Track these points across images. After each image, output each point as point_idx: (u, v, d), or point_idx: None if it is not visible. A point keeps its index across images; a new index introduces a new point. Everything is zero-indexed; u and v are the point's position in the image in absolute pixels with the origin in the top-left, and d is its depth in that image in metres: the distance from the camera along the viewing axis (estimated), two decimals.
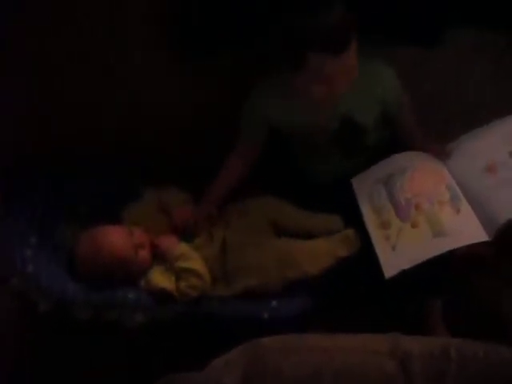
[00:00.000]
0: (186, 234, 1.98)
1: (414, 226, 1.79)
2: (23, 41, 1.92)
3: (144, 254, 1.87)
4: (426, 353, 1.34)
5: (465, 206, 1.78)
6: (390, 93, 1.92)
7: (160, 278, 1.82)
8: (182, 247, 1.89)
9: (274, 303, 1.81)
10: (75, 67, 2.01)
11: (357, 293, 1.93)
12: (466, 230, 1.74)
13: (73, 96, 2.07)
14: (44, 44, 1.95)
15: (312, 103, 1.85)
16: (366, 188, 1.95)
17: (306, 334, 1.47)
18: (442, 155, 1.94)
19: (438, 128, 2.07)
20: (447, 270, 1.92)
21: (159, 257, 1.88)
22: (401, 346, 1.36)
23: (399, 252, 1.76)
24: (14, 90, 2.01)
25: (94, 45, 1.98)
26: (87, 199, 2.02)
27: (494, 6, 1.96)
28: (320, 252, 1.87)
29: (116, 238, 1.85)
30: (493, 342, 1.40)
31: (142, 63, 2.05)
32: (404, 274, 1.72)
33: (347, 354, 1.36)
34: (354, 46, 1.69)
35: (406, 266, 1.72)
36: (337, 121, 1.93)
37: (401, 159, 1.97)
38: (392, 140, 2.06)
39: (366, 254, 1.82)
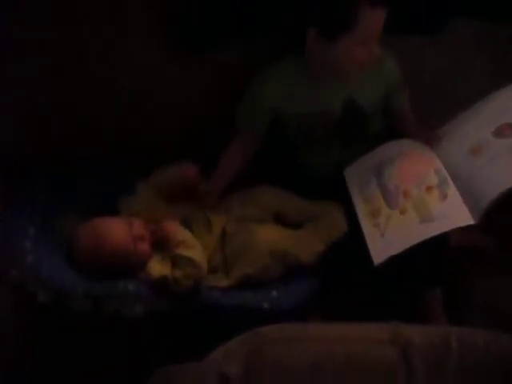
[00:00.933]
0: (185, 218, 1.98)
1: (402, 212, 1.81)
2: (23, 40, 1.93)
3: (143, 246, 1.85)
4: (427, 341, 1.34)
5: (452, 191, 1.80)
6: (391, 76, 1.96)
7: (158, 267, 1.80)
8: (185, 233, 1.87)
9: (274, 293, 1.81)
10: (75, 67, 2.02)
11: (356, 281, 1.94)
12: (452, 214, 1.75)
13: (73, 96, 2.07)
14: (44, 44, 1.95)
15: (318, 88, 1.91)
16: (357, 178, 1.97)
17: (307, 323, 1.47)
18: (432, 141, 1.96)
19: (437, 119, 2.07)
20: (444, 260, 1.93)
21: (160, 243, 1.86)
22: (402, 334, 1.35)
23: (387, 239, 1.79)
24: (14, 90, 2.01)
25: (94, 45, 1.99)
26: (87, 199, 2.02)
27: None
28: (309, 238, 1.89)
29: (116, 231, 1.83)
30: (493, 331, 1.40)
31: (142, 64, 2.06)
32: (393, 260, 1.74)
33: (348, 344, 1.35)
34: (364, 9, 1.73)
35: (394, 252, 1.74)
36: (340, 105, 1.95)
37: (390, 147, 2.00)
38: (389, 131, 2.08)
39: (360, 244, 1.84)
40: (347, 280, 1.92)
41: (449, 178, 1.83)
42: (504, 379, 1.31)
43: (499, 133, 1.84)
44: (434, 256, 1.88)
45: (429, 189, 1.82)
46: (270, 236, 1.89)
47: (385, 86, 1.97)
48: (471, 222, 1.72)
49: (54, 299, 1.69)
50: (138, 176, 2.00)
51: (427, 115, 2.06)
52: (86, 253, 1.81)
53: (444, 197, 1.79)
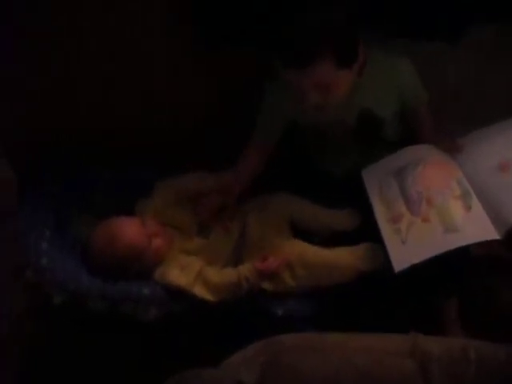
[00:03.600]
0: (201, 228, 1.97)
1: (424, 220, 1.77)
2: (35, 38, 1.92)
3: (158, 242, 1.85)
4: (446, 354, 1.34)
5: (475, 203, 1.77)
6: (407, 84, 1.92)
7: (175, 273, 1.79)
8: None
9: (288, 300, 1.80)
10: (88, 65, 2.02)
11: (373, 290, 1.92)
12: (478, 227, 1.73)
13: (86, 92, 2.07)
14: (55, 43, 1.95)
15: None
16: (376, 180, 1.93)
17: (325, 332, 1.46)
18: (454, 151, 1.94)
19: (457, 126, 2.05)
20: (464, 270, 1.92)
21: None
22: (420, 346, 1.35)
23: (409, 246, 1.74)
24: (26, 90, 2.00)
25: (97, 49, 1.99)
26: (102, 200, 2.02)
27: None
28: (341, 264, 1.82)
29: (129, 228, 1.84)
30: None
31: (153, 64, 2.06)
32: (414, 268, 1.70)
33: (366, 354, 1.36)
34: (324, 62, 1.68)
35: (416, 260, 1.70)
36: (354, 114, 1.92)
37: (411, 152, 1.96)
38: (408, 134, 2.05)
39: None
40: (364, 290, 1.90)
41: (471, 190, 1.81)
42: None
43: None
44: (454, 266, 1.85)
45: (452, 199, 1.79)
46: (293, 254, 1.85)
47: (400, 92, 1.93)
48: (497, 236, 1.70)
49: (68, 301, 1.69)
50: (152, 177, 1.99)
51: (447, 121, 2.05)
52: (101, 252, 1.81)
53: (468, 208, 1.77)
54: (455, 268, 1.87)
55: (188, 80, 2.10)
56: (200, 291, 1.76)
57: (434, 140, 1.98)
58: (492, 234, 1.71)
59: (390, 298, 1.89)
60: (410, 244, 1.75)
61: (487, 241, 1.71)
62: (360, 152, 2.03)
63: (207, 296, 1.76)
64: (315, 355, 1.35)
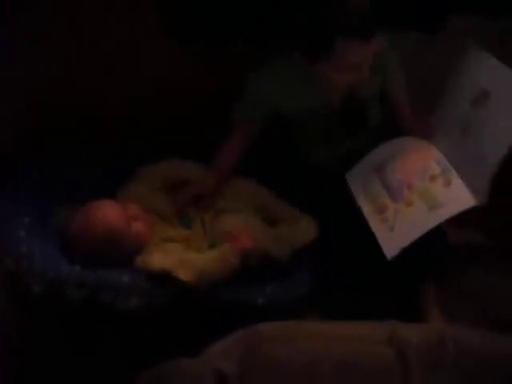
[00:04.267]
0: (183, 218, 1.96)
1: (408, 204, 1.83)
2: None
3: (138, 225, 1.83)
4: (423, 341, 1.34)
5: (455, 177, 1.82)
6: (387, 65, 1.95)
7: (159, 256, 1.76)
8: None
9: (269, 289, 1.77)
10: (80, 56, 2.04)
11: (352, 278, 1.93)
12: (458, 198, 1.78)
13: (76, 83, 2.08)
14: (50, 35, 1.97)
15: (315, 82, 1.88)
16: (359, 181, 1.98)
17: (304, 321, 1.46)
18: (430, 133, 1.96)
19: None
20: (442, 255, 1.96)
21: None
22: (398, 334, 1.35)
23: (397, 231, 1.80)
24: (16, 76, 2.01)
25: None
26: (86, 186, 1.99)
27: None
28: (277, 236, 1.88)
29: (108, 211, 1.81)
30: (489, 330, 1.40)
31: (153, 64, 2.09)
32: (404, 253, 1.74)
33: (345, 343, 1.35)
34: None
35: (406, 243, 1.75)
36: (339, 97, 1.93)
37: (388, 147, 2.01)
38: (391, 122, 2.08)
39: (360, 240, 1.86)
40: (345, 277, 1.91)
41: (450, 166, 1.84)
42: (499, 377, 1.32)
43: (476, 102, 1.84)
44: (433, 251, 1.89)
45: (432, 178, 1.84)
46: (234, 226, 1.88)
47: (381, 72, 1.94)
48: (475, 203, 1.74)
49: (47, 289, 1.66)
50: (137, 166, 1.99)
51: (427, 111, 2.04)
52: (80, 235, 1.79)
53: (448, 183, 1.81)
54: (434, 251, 1.92)
55: (188, 80, 2.10)
56: (185, 274, 1.70)
57: (412, 122, 2.02)
58: (471, 201, 1.75)
59: (370, 285, 1.91)
60: (398, 229, 1.81)
61: (464, 229, 1.80)
62: (344, 139, 2.04)
63: (192, 278, 1.71)
64: (294, 344, 1.35)
